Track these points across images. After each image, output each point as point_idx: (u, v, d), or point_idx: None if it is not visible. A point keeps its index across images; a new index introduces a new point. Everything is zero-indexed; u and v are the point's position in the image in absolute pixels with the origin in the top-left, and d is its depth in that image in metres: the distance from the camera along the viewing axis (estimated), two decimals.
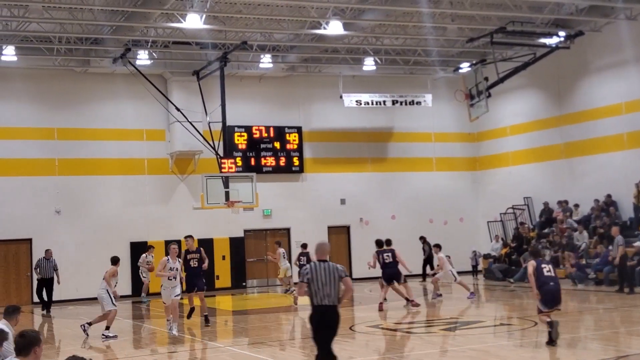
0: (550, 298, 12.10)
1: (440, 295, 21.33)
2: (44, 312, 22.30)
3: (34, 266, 23.18)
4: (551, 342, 11.88)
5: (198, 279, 17.13)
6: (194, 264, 17.04)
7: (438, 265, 21.67)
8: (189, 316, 17.23)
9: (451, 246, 29.21)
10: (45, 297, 22.60)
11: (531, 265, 12.05)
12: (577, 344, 13.08)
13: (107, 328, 15.52)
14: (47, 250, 23.01)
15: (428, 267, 27.68)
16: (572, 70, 27.23)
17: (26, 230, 25.53)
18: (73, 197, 26.26)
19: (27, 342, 5.77)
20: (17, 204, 25.40)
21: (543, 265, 12.02)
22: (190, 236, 17.94)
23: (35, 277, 23.29)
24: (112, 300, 15.59)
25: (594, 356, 11.26)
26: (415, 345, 13.22)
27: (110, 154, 26.95)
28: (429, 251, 28.52)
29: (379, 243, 19.70)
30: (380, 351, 13.11)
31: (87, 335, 15.56)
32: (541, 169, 28.88)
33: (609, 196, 25.74)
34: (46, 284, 22.61)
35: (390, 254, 19.20)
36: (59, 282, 22.68)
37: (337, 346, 13.74)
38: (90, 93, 26.88)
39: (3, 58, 24.64)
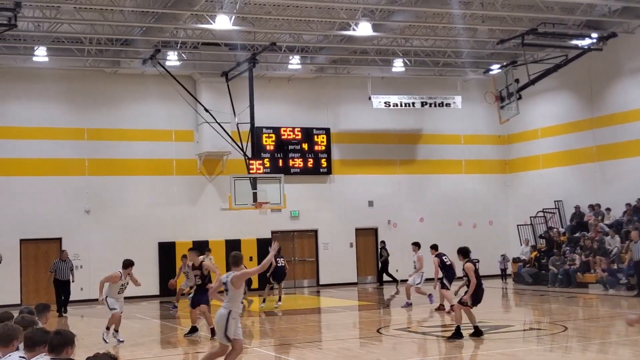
0: (480, 297, 13.49)
1: (410, 304, 20.14)
2: (60, 312, 21.99)
3: (50, 268, 22.90)
4: (456, 335, 13.27)
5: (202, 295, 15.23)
6: (197, 280, 15.52)
7: (415, 268, 20.38)
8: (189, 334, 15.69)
9: (480, 250, 29.03)
10: (62, 300, 22.42)
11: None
12: (608, 350, 12.97)
13: (107, 328, 15.11)
14: (62, 252, 23.13)
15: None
16: (605, 72, 26.96)
17: (56, 229, 25.90)
18: (102, 197, 26.57)
19: (62, 341, 5.81)
20: (47, 203, 25.77)
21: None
22: (193, 249, 16.61)
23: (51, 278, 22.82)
24: (108, 305, 15.04)
25: None
26: (443, 349, 13.20)
27: (139, 155, 27.23)
28: (386, 257, 28.65)
29: (435, 247, 19.12)
30: (408, 355, 13.10)
31: (119, 340, 15.16)
32: (572, 172, 28.61)
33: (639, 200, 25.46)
34: (63, 285, 22.49)
35: (447, 257, 18.28)
36: (73, 281, 22.71)
37: (364, 349, 13.79)
38: (120, 94, 27.20)
39: (35, 59, 25.03)
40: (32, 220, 25.50)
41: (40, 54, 24.82)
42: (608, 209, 26.75)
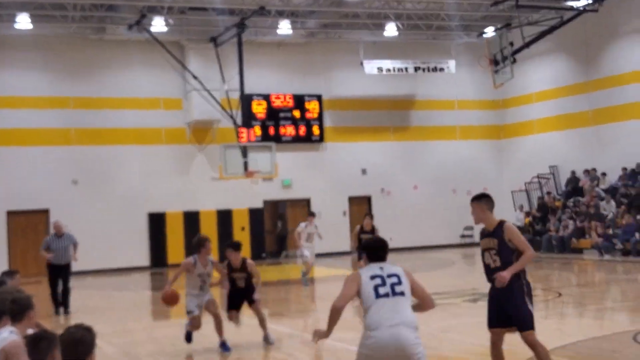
0: None
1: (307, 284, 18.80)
2: (60, 311, 15.53)
3: (42, 246, 15.73)
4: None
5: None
6: (240, 284, 10.84)
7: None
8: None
9: None
10: (59, 293, 15.55)
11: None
12: (603, 315, 13.00)
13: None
14: (55, 224, 16.20)
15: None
16: (600, 34, 26.76)
17: (43, 201, 25.71)
18: (90, 167, 26.39)
19: (21, 308, 5.55)
20: (33, 174, 25.57)
21: None
22: (232, 245, 10.89)
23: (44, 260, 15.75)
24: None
25: (620, 327, 11.16)
26: (438, 316, 13.17)
27: (127, 124, 27.00)
28: (282, 228, 28.70)
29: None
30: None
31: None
32: (568, 137, 28.55)
33: (638, 164, 25.45)
34: (61, 272, 15.46)
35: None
36: (76, 259, 15.91)
37: (358, 318, 13.73)
38: (105, 61, 26.87)
39: (17, 26, 24.66)
40: (19, 192, 25.31)
41: (23, 20, 24.46)
42: (604, 174, 26.75)
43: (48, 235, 17.19)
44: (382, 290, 5.61)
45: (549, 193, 28.34)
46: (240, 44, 25.30)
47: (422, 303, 6.00)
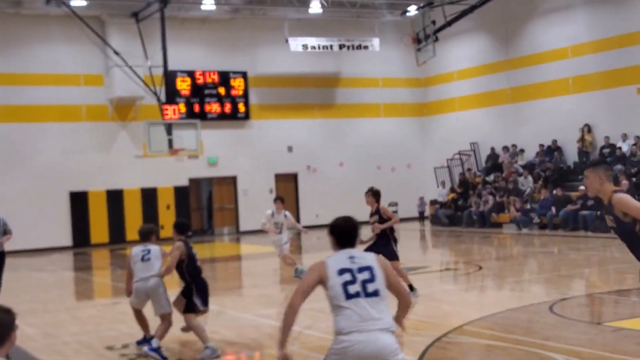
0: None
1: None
2: None
3: None
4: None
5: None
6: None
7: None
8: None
9: (399, 193, 29.56)
10: None
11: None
12: (521, 287, 13.39)
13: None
14: None
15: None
16: (520, 13, 27.34)
17: None
18: (9, 145, 25.50)
19: (2, 331, 4.17)
20: None
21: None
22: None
23: None
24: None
25: (537, 299, 11.54)
26: None
27: (46, 100, 26.17)
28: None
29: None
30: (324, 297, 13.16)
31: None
32: (488, 114, 29.16)
33: (554, 141, 26.23)
34: None
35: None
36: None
37: (284, 294, 13.80)
38: (23, 36, 25.92)
39: None
40: None
41: None
42: (522, 150, 27.48)
43: None
44: (352, 289, 4.76)
45: (469, 169, 28.96)
46: (163, 20, 24.74)
47: (399, 299, 5.13)
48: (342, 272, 4.81)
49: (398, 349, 4.74)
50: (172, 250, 8.93)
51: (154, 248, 9.31)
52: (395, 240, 11.88)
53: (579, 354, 7.84)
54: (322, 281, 4.86)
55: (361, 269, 4.83)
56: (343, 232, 5.02)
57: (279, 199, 15.40)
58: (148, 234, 9.53)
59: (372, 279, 4.79)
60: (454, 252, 20.75)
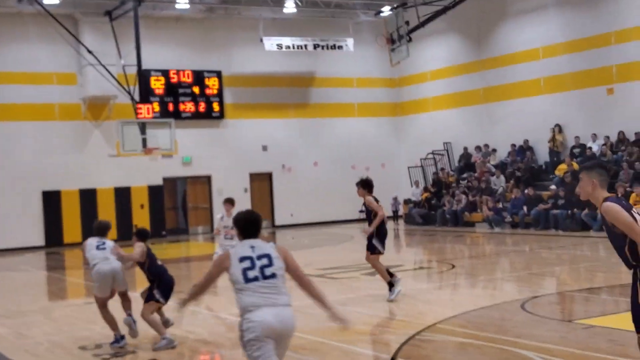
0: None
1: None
2: None
3: None
4: None
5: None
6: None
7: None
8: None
9: (374, 192, 29.54)
10: None
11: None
12: (494, 286, 13.48)
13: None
14: None
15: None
16: (492, 14, 27.52)
17: None
18: None
19: None
20: None
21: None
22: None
23: None
24: None
25: (509, 297, 11.63)
26: (337, 289, 13.36)
27: (18, 99, 25.87)
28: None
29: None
30: (303, 295, 13.16)
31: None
32: (461, 114, 29.34)
33: (526, 141, 26.47)
34: None
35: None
36: None
37: None
38: None
39: None
40: None
41: None
42: (494, 150, 27.69)
43: None
44: (250, 274, 5.44)
45: (442, 169, 29.12)
46: (136, 18, 24.57)
47: (298, 283, 5.77)
48: (242, 259, 5.48)
49: (294, 320, 5.52)
50: (134, 247, 9.26)
51: (109, 242, 9.51)
52: (382, 234, 12.03)
53: (551, 352, 7.91)
54: (226, 270, 5.56)
55: (260, 256, 5.51)
56: (246, 225, 5.65)
57: (228, 201, 14.02)
58: (105, 229, 9.70)
59: (270, 264, 5.48)
60: (427, 250, 20.84)
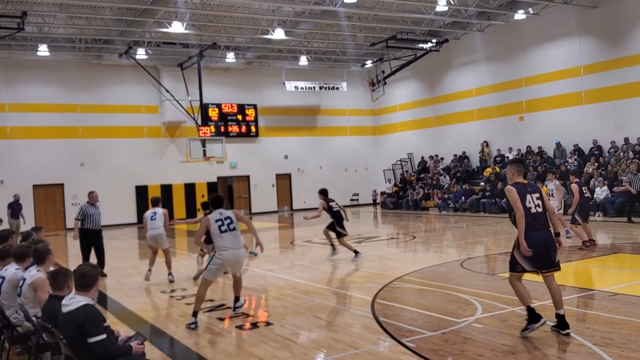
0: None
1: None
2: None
3: (77, 216, 11.11)
4: None
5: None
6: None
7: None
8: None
9: (359, 187, 29.67)
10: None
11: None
12: (441, 250, 13.45)
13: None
14: (91, 194, 11.47)
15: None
16: (441, 66, 27.46)
17: (60, 177, 24.54)
18: (93, 154, 25.29)
19: (41, 254, 5.34)
20: (52, 159, 24.34)
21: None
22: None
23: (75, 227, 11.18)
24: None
25: (452, 258, 11.60)
26: (332, 252, 13.36)
27: (119, 123, 25.96)
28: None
29: (323, 192, 12.39)
30: (311, 257, 13.19)
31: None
32: (419, 134, 29.27)
33: (464, 152, 26.39)
34: (94, 237, 11.21)
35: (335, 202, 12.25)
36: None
37: (282, 255, 13.77)
38: (102, 79, 25.68)
39: (39, 53, 23.23)
40: (42, 172, 24.04)
41: (43, 50, 23.04)
42: (442, 158, 27.60)
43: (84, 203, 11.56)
44: (223, 228, 6.69)
45: (407, 171, 29.05)
46: (199, 68, 24.61)
47: (245, 223, 6.97)
48: (217, 221, 6.76)
49: (244, 256, 6.91)
50: (201, 223, 7.84)
51: (159, 211, 10.15)
52: (339, 222, 11.75)
53: (480, 295, 7.90)
54: (208, 227, 6.77)
55: (226, 218, 6.77)
56: (215, 201, 6.96)
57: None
58: (157, 201, 10.31)
59: (231, 222, 6.80)
60: (396, 227, 20.79)
